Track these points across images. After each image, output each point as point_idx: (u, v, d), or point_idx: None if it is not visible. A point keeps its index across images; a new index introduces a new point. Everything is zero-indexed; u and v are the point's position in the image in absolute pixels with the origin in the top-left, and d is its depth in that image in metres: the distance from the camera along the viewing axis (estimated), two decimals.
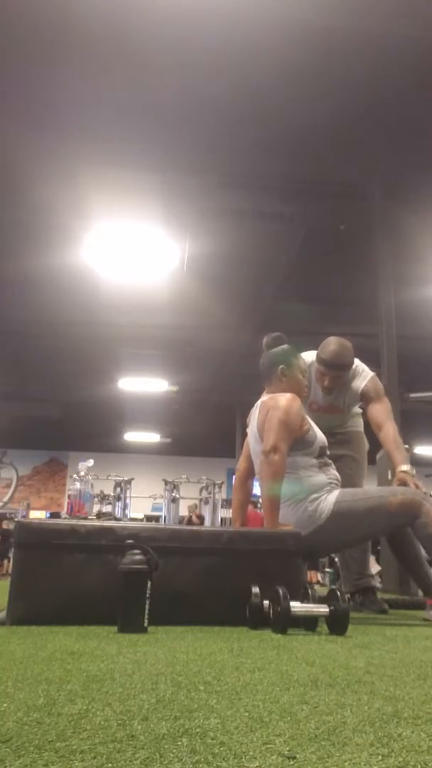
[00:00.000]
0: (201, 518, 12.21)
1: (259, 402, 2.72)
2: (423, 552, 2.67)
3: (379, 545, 5.92)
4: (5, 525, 12.49)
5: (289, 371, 2.72)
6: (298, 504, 2.51)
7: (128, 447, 17.15)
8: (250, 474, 2.91)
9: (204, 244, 6.87)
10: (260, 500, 2.98)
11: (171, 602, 2.01)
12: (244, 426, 3.25)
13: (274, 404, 2.56)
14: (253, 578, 2.07)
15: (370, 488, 2.71)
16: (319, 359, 2.90)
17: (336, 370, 2.89)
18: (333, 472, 2.62)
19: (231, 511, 3.27)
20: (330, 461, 2.65)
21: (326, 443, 2.64)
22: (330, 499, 2.51)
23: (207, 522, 12.01)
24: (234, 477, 3.08)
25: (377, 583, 4.97)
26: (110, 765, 0.63)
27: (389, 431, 2.84)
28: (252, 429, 2.71)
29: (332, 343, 2.91)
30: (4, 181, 6.01)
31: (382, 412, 2.91)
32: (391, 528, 2.62)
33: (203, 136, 5.62)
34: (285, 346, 2.79)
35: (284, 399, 2.55)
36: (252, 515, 7.11)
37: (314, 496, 2.52)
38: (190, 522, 11.87)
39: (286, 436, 2.47)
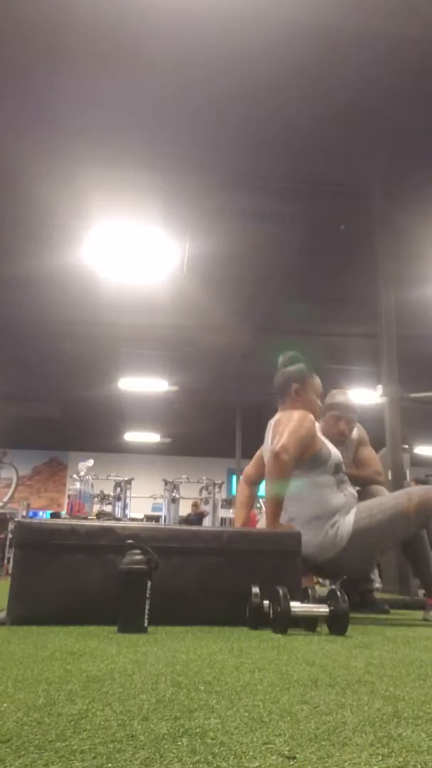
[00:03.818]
0: (200, 515, 12.20)
1: (272, 420, 2.73)
2: None
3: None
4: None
5: (302, 390, 2.73)
6: (319, 527, 2.50)
7: (128, 447, 17.14)
8: (257, 479, 2.92)
9: (204, 244, 6.87)
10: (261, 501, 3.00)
11: (171, 602, 2.01)
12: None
13: (287, 418, 2.58)
14: (253, 578, 2.07)
15: (383, 498, 2.70)
16: (332, 406, 3.09)
17: (350, 412, 3.10)
18: (350, 489, 2.63)
19: (232, 510, 3.32)
20: (346, 478, 2.65)
21: (341, 459, 2.65)
22: (348, 520, 2.51)
23: (207, 522, 12.00)
24: (237, 477, 3.13)
25: (377, 583, 4.97)
26: (110, 765, 0.63)
27: (369, 471, 3.13)
28: (266, 442, 2.72)
29: (339, 391, 3.19)
30: (4, 181, 6.01)
31: (371, 456, 3.21)
32: (411, 532, 2.61)
33: (203, 136, 5.61)
34: (300, 365, 2.80)
35: (297, 413, 2.57)
36: (253, 516, 7.07)
37: (334, 519, 2.51)
38: (188, 519, 11.89)
39: (296, 442, 2.46)
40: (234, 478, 15.52)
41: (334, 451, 2.61)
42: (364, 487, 3.03)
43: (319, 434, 2.61)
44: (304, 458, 2.52)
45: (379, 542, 2.56)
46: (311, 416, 2.58)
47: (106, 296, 8.09)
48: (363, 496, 2.96)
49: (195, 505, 12.75)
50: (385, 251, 6.35)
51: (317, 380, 2.80)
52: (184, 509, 12.84)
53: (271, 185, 6.20)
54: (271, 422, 2.74)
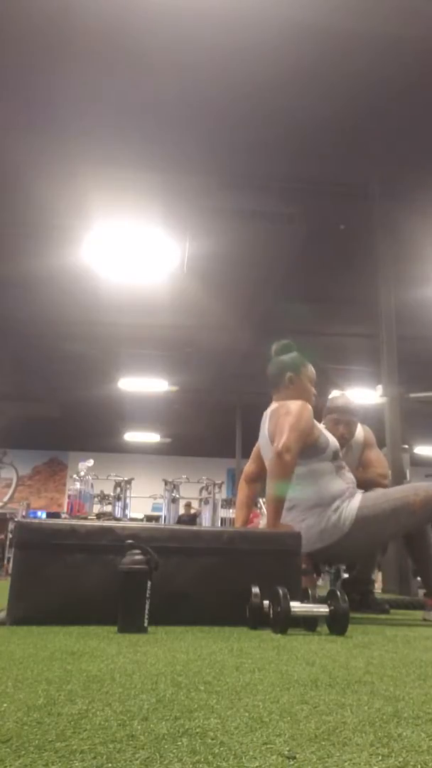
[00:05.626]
0: (192, 516, 12.21)
1: (268, 410, 2.73)
2: None
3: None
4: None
5: (297, 379, 2.73)
6: (321, 513, 2.51)
7: (128, 447, 17.13)
8: (257, 476, 2.92)
9: (204, 244, 6.87)
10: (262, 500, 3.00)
11: (171, 602, 2.01)
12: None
13: (285, 411, 2.57)
14: (253, 578, 2.07)
15: (389, 490, 2.71)
16: (332, 409, 3.10)
17: (350, 414, 3.10)
18: (349, 475, 2.63)
19: (232, 510, 3.32)
20: (344, 464, 2.65)
21: (338, 446, 2.66)
22: (353, 506, 2.51)
23: (206, 522, 12.01)
24: (237, 477, 3.14)
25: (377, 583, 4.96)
26: (110, 765, 0.63)
27: (372, 473, 3.11)
28: (263, 435, 2.72)
29: (340, 395, 3.21)
30: (4, 181, 6.01)
31: (376, 457, 3.21)
32: (414, 526, 2.61)
33: (203, 136, 5.61)
34: (293, 354, 2.80)
35: (295, 405, 2.57)
36: (254, 516, 7.10)
37: (336, 504, 2.51)
38: (180, 519, 11.93)
39: (297, 438, 2.47)
40: (234, 478, 15.53)
41: (332, 438, 2.63)
42: (367, 490, 3.03)
43: (316, 422, 2.62)
44: (304, 447, 2.52)
45: (382, 531, 2.56)
46: (308, 406, 2.58)
47: (106, 296, 8.09)
48: None
49: (188, 506, 12.86)
50: (385, 251, 6.36)
51: (311, 368, 2.81)
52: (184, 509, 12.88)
53: (271, 185, 6.20)
54: (267, 413, 2.73)
